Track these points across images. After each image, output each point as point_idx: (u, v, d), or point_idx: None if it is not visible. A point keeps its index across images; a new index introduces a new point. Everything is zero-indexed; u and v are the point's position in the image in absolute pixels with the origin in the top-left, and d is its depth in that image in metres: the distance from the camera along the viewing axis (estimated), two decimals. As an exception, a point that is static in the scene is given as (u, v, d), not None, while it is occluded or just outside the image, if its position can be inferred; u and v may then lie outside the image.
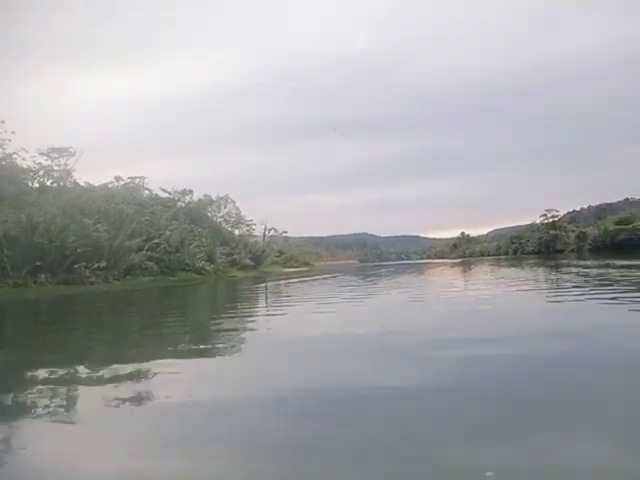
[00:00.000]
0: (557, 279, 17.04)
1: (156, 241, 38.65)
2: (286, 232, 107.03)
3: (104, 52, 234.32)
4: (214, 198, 59.71)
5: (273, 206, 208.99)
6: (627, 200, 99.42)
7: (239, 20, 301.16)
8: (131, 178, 47.12)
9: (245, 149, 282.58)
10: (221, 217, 61.36)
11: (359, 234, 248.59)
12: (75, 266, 30.16)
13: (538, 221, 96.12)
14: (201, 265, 40.90)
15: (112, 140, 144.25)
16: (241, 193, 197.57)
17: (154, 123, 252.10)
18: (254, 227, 78.62)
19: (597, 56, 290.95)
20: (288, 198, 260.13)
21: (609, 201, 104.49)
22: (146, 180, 48.20)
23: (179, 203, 53.16)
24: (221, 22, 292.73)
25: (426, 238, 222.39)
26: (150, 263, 37.78)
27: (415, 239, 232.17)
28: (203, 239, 46.13)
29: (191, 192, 53.77)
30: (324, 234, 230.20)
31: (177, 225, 43.64)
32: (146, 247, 38.02)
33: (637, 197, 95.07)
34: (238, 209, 62.23)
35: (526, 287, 13.88)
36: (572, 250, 77.14)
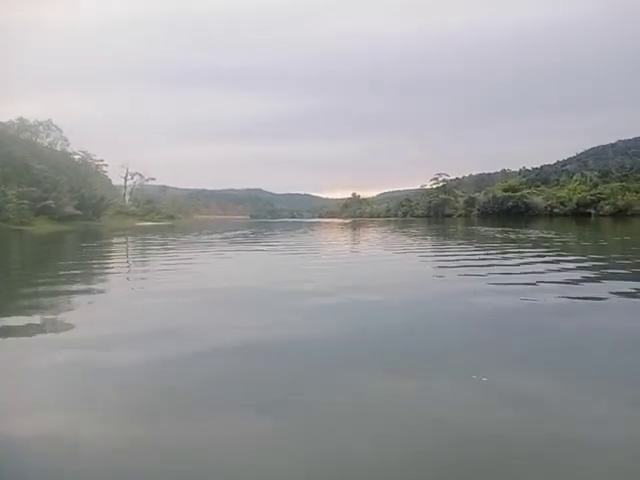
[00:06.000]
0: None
1: None
2: (154, 179, 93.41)
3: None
4: (31, 122, 45.34)
5: (158, 155, 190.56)
6: (504, 171, 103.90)
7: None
8: None
9: (125, 92, 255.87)
10: (47, 147, 47.20)
11: (253, 190, 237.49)
12: None
13: (428, 185, 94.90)
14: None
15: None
16: (122, 139, 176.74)
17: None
18: (105, 168, 64.70)
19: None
20: (178, 148, 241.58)
21: (487, 171, 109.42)
22: None
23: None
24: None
25: (319, 197, 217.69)
26: None
27: (308, 198, 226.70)
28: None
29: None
30: (217, 187, 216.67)
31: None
32: None
33: (512, 169, 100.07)
34: (66, 140, 48.40)
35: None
36: (460, 215, 74.75)
